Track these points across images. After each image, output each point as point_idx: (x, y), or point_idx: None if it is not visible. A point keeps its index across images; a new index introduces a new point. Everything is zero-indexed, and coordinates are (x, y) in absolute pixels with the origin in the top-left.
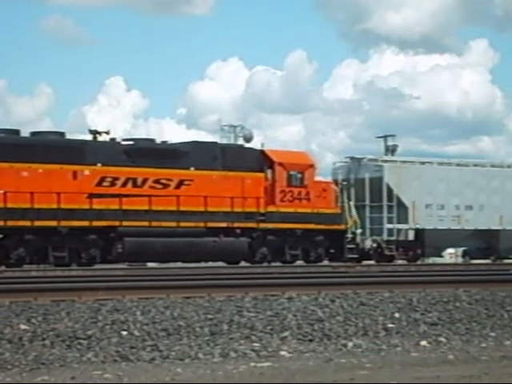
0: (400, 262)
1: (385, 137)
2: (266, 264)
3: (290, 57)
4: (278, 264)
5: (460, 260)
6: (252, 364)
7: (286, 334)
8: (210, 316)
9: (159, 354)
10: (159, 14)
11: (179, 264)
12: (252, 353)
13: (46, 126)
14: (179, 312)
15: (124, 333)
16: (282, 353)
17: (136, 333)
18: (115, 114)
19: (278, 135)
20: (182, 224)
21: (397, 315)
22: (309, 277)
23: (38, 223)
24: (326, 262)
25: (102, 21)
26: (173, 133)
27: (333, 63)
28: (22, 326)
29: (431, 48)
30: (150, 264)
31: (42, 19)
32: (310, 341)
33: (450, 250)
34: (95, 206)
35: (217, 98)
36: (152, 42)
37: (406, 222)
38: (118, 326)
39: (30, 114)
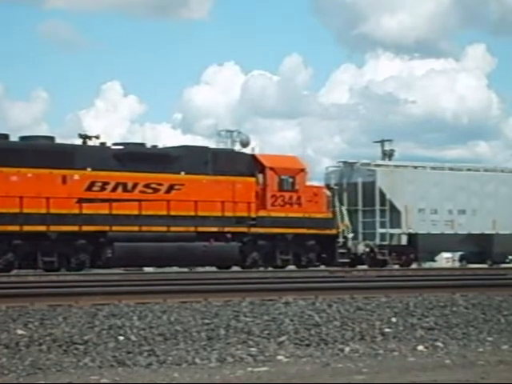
0: (396, 266)
1: (382, 141)
2: (262, 269)
3: (286, 61)
4: (272, 269)
5: (457, 264)
6: (249, 369)
7: (283, 338)
8: (206, 321)
9: (156, 358)
10: (156, 18)
11: (175, 268)
12: (249, 357)
13: (42, 130)
14: (176, 317)
15: (121, 338)
16: (279, 357)
17: (133, 338)
18: (112, 118)
19: (274, 140)
20: (173, 229)
21: (394, 320)
22: (306, 281)
23: (26, 228)
24: (323, 267)
25: (98, 25)
26: (169, 138)
27: (329, 68)
28: (19, 331)
29: (427, 52)
30: (146, 269)
31: (39, 24)
32: (307, 345)
33: (447, 255)
34: (85, 211)
35: (213, 102)
36: (149, 46)
37: (398, 226)
38: (115, 330)
39: (26, 119)
